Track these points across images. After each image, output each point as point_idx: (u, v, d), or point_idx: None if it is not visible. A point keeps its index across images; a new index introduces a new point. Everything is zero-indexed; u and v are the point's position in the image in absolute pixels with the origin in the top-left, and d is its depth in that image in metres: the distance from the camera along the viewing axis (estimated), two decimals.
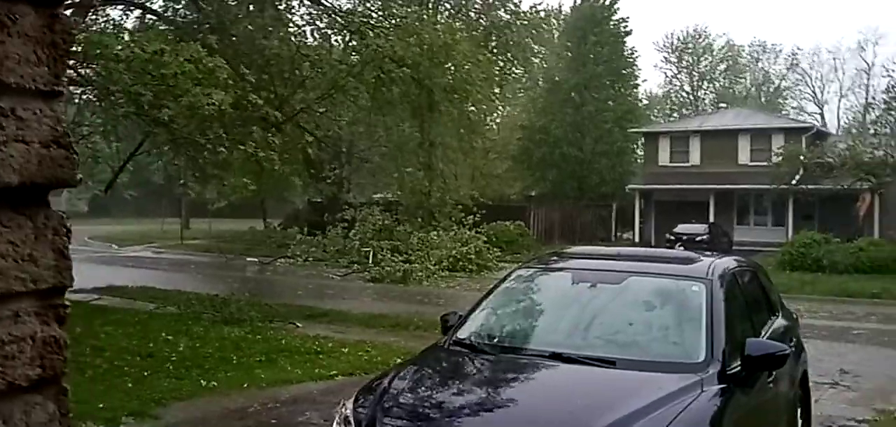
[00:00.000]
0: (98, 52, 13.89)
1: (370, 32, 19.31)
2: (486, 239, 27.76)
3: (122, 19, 19.37)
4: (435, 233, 26.55)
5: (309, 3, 20.45)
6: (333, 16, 20.56)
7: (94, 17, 17.74)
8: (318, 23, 20.95)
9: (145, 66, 13.92)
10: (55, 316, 0.85)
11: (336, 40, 22.14)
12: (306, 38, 20.78)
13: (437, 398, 4.78)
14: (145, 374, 9.29)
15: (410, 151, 26.38)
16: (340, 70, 19.78)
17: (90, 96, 16.80)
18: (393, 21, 20.81)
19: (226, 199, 29.61)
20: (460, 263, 25.49)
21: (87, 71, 14.96)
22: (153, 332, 12.23)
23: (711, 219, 36.19)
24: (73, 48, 13.67)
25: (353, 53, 21.22)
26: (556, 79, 43.73)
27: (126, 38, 15.63)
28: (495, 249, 27.89)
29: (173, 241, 38.80)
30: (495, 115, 35.64)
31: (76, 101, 17.43)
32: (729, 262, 6.36)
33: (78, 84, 16.07)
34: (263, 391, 8.82)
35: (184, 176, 24.62)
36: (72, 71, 14.17)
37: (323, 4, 20.43)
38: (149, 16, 19.52)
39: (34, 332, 0.83)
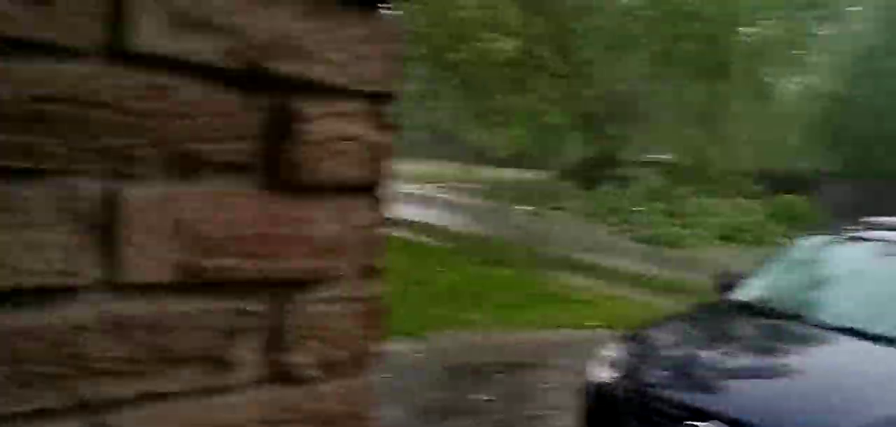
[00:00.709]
0: None
1: None
2: (768, 212, 26.02)
3: None
4: (713, 199, 25.35)
5: None
6: None
7: None
8: None
9: (440, 11, 14.57)
10: (380, 123, 0.84)
11: None
12: None
13: (706, 356, 4.49)
14: (416, 300, 9.81)
15: (695, 113, 25.23)
16: (629, 22, 19.28)
17: None
18: None
19: (505, 147, 30.42)
20: (737, 234, 24.10)
21: None
22: (426, 263, 12.87)
23: None
24: None
25: (644, 9, 20.52)
26: (868, 44, 39.29)
27: None
28: (778, 224, 25.97)
29: (453, 184, 40.61)
30: (794, 80, 32.97)
31: None
32: None
33: None
34: (522, 331, 8.97)
35: (467, 121, 25.59)
36: None
37: None
38: None
39: (360, 133, 0.82)
